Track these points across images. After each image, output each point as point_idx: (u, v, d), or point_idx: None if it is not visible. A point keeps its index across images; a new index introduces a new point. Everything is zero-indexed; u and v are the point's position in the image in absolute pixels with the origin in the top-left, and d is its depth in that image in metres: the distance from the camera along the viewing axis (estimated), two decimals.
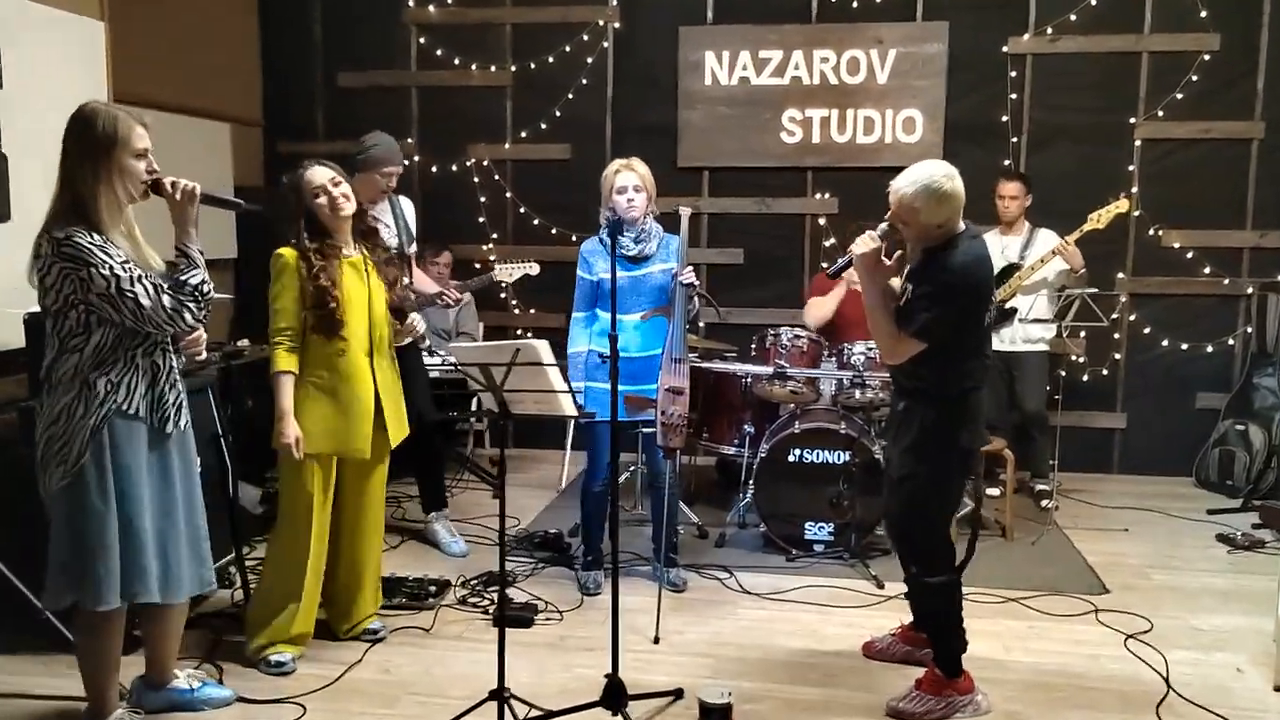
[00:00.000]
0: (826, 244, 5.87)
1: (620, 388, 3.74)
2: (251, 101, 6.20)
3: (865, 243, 2.93)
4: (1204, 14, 5.44)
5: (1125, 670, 3.33)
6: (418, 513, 4.72)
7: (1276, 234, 5.53)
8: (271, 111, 6.27)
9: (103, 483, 2.62)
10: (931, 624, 3.11)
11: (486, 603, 3.82)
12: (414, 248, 4.43)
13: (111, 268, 2.56)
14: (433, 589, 3.86)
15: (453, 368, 4.18)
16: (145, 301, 2.59)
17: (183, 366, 2.88)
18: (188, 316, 2.69)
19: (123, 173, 2.62)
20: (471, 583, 4.00)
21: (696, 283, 3.77)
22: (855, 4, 5.73)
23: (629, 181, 3.78)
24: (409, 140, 6.10)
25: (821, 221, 5.91)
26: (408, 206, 4.43)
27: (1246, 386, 5.48)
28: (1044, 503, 5.07)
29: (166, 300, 2.64)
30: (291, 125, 6.22)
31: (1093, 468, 5.75)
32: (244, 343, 4.66)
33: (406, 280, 4.36)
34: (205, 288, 2.73)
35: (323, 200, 3.24)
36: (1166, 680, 3.24)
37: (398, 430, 3.44)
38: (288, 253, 3.23)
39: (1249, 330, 5.59)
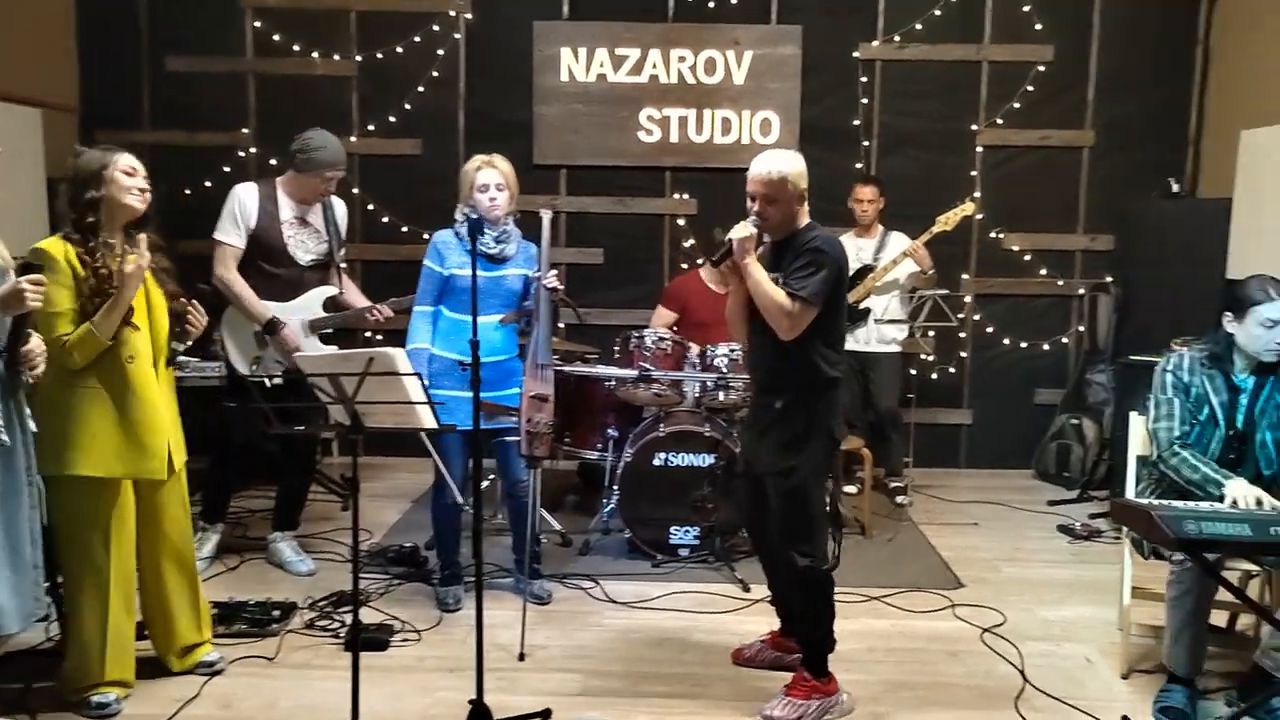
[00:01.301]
0: (686, 244, 5.84)
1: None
2: (65, 85, 5.67)
3: (744, 228, 2.98)
4: (1039, 26, 5.69)
5: (983, 665, 3.40)
6: (260, 530, 4.42)
7: (1106, 237, 5.84)
8: (90, 97, 5.76)
9: None
10: (810, 621, 3.08)
11: (337, 625, 3.58)
12: (343, 253, 4.14)
13: None
14: (276, 613, 3.59)
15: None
16: None
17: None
18: None
19: None
20: (320, 604, 3.75)
21: (560, 287, 3.64)
22: (711, 4, 5.73)
23: (491, 179, 3.61)
24: (245, 131, 5.74)
25: (681, 222, 5.88)
26: (340, 209, 4.15)
27: (1080, 383, 5.77)
28: (899, 499, 5.19)
29: None
30: (113, 112, 5.73)
31: (942, 463, 5.93)
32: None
33: (337, 290, 4.09)
34: None
35: (131, 183, 2.91)
36: (1023, 673, 3.32)
37: (179, 452, 3.10)
38: (53, 245, 2.84)
39: (1081, 329, 5.88)
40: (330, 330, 4.09)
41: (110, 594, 2.94)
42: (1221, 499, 2.87)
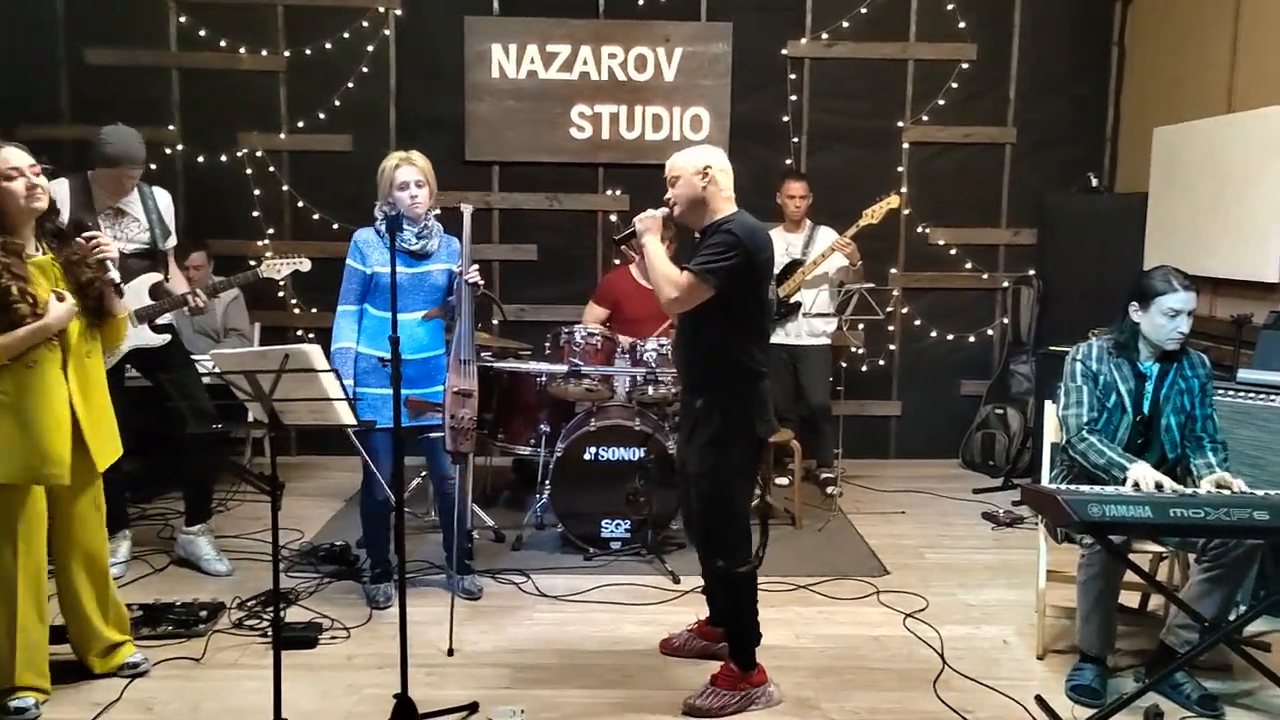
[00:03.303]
0: (618, 238, 5.86)
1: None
2: None
3: (650, 212, 3.05)
4: (962, 24, 5.82)
5: (904, 649, 3.49)
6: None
7: (1028, 232, 5.99)
8: (2, 89, 5.60)
9: None
10: (734, 618, 3.12)
11: (265, 625, 3.55)
12: (172, 242, 4.09)
13: None
14: (204, 614, 3.55)
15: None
16: None
17: None
18: None
19: None
20: (249, 604, 3.72)
21: (482, 282, 3.66)
22: (641, 2, 5.76)
23: (411, 176, 3.60)
24: (170, 128, 5.63)
25: (613, 218, 5.91)
26: (163, 198, 4.10)
27: (1004, 374, 5.92)
28: (829, 490, 5.28)
29: None
30: (29, 106, 5.58)
31: (871, 454, 6.04)
32: None
33: (161, 278, 4.03)
34: None
35: (17, 185, 2.82)
36: (942, 656, 3.41)
37: (103, 451, 3.03)
38: None
39: (1005, 321, 6.03)
40: (163, 321, 4.02)
41: (19, 599, 2.88)
42: (1125, 483, 2.98)
